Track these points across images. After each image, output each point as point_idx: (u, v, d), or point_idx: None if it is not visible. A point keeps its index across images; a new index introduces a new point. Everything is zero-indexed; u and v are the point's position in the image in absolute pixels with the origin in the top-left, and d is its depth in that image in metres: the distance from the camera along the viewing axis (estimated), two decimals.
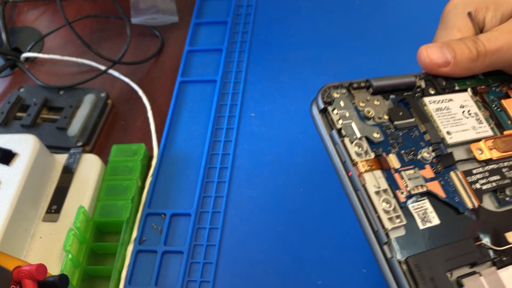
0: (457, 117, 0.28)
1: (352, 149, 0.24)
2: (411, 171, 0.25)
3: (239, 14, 0.54)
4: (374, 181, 0.24)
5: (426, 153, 0.26)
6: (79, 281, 0.35)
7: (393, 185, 0.24)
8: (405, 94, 0.28)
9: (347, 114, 0.26)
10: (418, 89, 0.28)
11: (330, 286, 0.34)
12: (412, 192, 0.25)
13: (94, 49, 0.49)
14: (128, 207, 0.38)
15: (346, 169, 0.24)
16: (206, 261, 0.37)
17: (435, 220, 0.25)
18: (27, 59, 0.54)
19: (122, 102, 0.49)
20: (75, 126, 0.45)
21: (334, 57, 0.48)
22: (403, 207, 0.24)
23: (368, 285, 0.34)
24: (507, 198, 0.27)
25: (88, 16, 0.57)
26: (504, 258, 0.24)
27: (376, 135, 0.26)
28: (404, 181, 0.25)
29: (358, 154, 0.24)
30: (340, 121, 0.25)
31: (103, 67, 0.50)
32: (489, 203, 0.26)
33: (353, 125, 0.25)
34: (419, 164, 0.26)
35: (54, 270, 0.36)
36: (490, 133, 0.28)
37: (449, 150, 0.27)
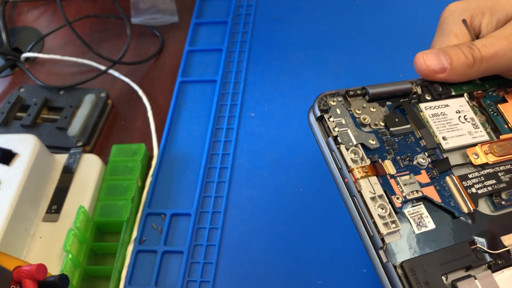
0: (453, 122, 0.28)
1: (348, 156, 0.25)
2: (407, 177, 0.26)
3: (239, 14, 0.54)
4: (369, 187, 0.24)
5: (422, 159, 0.26)
6: (79, 281, 0.35)
7: (389, 191, 0.25)
8: (401, 100, 0.28)
9: (343, 122, 0.26)
10: (414, 95, 0.29)
11: (330, 286, 0.34)
12: (408, 198, 0.25)
13: (94, 49, 0.49)
14: (128, 207, 0.38)
15: (342, 175, 0.25)
16: (206, 261, 0.37)
17: (430, 225, 0.25)
18: (27, 59, 0.54)
19: (122, 102, 0.49)
20: (75, 126, 0.45)
21: (334, 57, 0.48)
22: (399, 212, 0.24)
23: (368, 285, 0.34)
24: (503, 202, 0.27)
25: (88, 16, 0.57)
26: (499, 262, 0.25)
27: (372, 142, 0.26)
28: (400, 186, 0.25)
29: (354, 161, 0.25)
30: (336, 129, 0.26)
31: (103, 67, 0.50)
32: (484, 207, 0.27)
33: (349, 132, 0.26)
34: (415, 170, 0.26)
35: (54, 270, 0.36)
36: (486, 137, 0.28)
37: (445, 155, 0.27)
